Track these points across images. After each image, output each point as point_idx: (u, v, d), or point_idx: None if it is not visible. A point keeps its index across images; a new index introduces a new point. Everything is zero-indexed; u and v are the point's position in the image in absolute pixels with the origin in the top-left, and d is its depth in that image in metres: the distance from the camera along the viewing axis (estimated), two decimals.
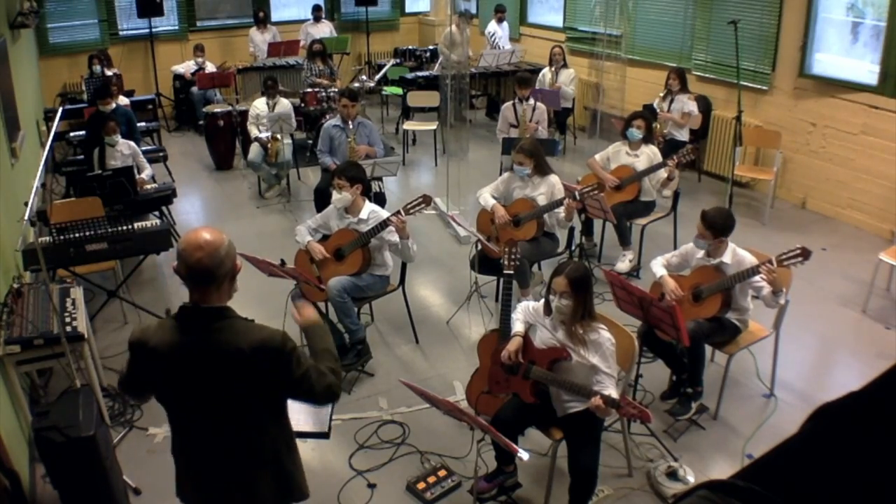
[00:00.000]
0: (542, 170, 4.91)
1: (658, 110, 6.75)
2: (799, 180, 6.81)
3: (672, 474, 3.46)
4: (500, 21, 9.97)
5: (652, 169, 5.35)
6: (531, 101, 6.84)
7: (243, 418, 2.20)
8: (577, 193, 4.66)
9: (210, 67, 9.45)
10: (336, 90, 8.00)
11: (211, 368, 2.11)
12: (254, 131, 7.24)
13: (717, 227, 3.78)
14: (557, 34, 9.60)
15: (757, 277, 3.62)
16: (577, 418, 3.12)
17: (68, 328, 3.51)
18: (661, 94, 6.83)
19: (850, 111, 6.19)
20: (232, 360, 2.09)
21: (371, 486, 3.52)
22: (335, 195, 4.36)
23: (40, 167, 3.94)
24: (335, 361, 2.30)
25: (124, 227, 4.46)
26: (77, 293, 3.91)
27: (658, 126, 6.54)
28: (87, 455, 2.92)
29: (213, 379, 2.12)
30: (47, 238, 4.28)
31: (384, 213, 4.34)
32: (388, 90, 9.40)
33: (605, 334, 3.10)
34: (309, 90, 8.26)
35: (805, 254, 3.49)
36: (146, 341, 2.15)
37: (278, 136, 7.08)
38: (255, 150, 7.14)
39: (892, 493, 0.63)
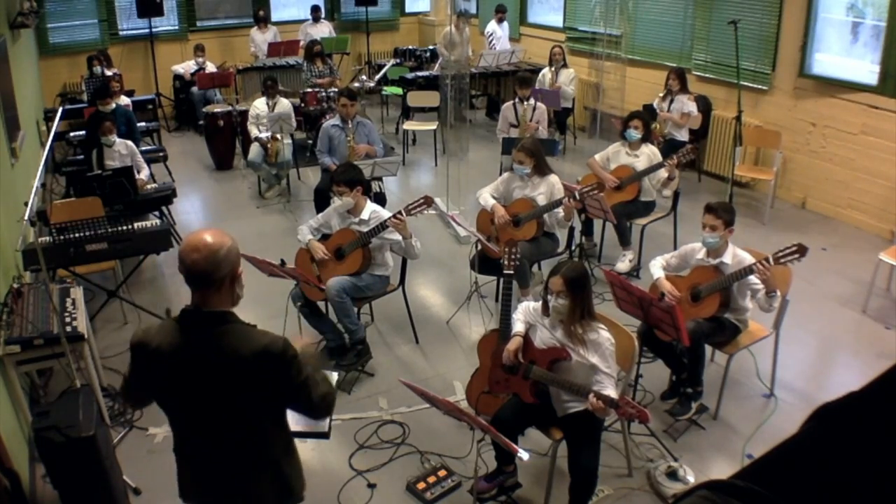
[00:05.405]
0: (541, 170, 4.90)
1: (658, 110, 6.75)
2: (799, 180, 6.81)
3: (672, 474, 3.46)
4: (500, 21, 9.96)
5: (652, 169, 5.35)
6: (531, 101, 6.84)
7: (244, 423, 2.19)
8: (576, 193, 4.66)
9: (210, 67, 9.45)
10: (336, 90, 8.01)
11: (212, 374, 2.10)
12: (254, 131, 7.23)
13: (728, 214, 3.80)
14: (557, 34, 9.59)
15: (753, 278, 3.62)
16: (577, 418, 3.12)
17: (68, 328, 3.51)
18: (661, 95, 6.82)
19: (850, 111, 6.19)
20: (233, 366, 2.09)
21: (371, 486, 3.52)
22: (336, 201, 4.36)
23: (40, 167, 3.95)
24: (328, 385, 2.32)
25: (124, 227, 4.46)
26: (77, 293, 3.91)
27: (658, 126, 6.54)
28: (87, 455, 2.92)
29: (214, 384, 2.12)
30: (47, 238, 4.28)
31: (385, 214, 4.34)
32: (388, 90, 9.39)
33: (604, 334, 3.10)
34: (309, 90, 8.27)
35: (801, 251, 3.49)
36: (148, 343, 2.15)
37: (278, 136, 7.08)
38: (255, 150, 7.14)
39: (892, 493, 0.63)
